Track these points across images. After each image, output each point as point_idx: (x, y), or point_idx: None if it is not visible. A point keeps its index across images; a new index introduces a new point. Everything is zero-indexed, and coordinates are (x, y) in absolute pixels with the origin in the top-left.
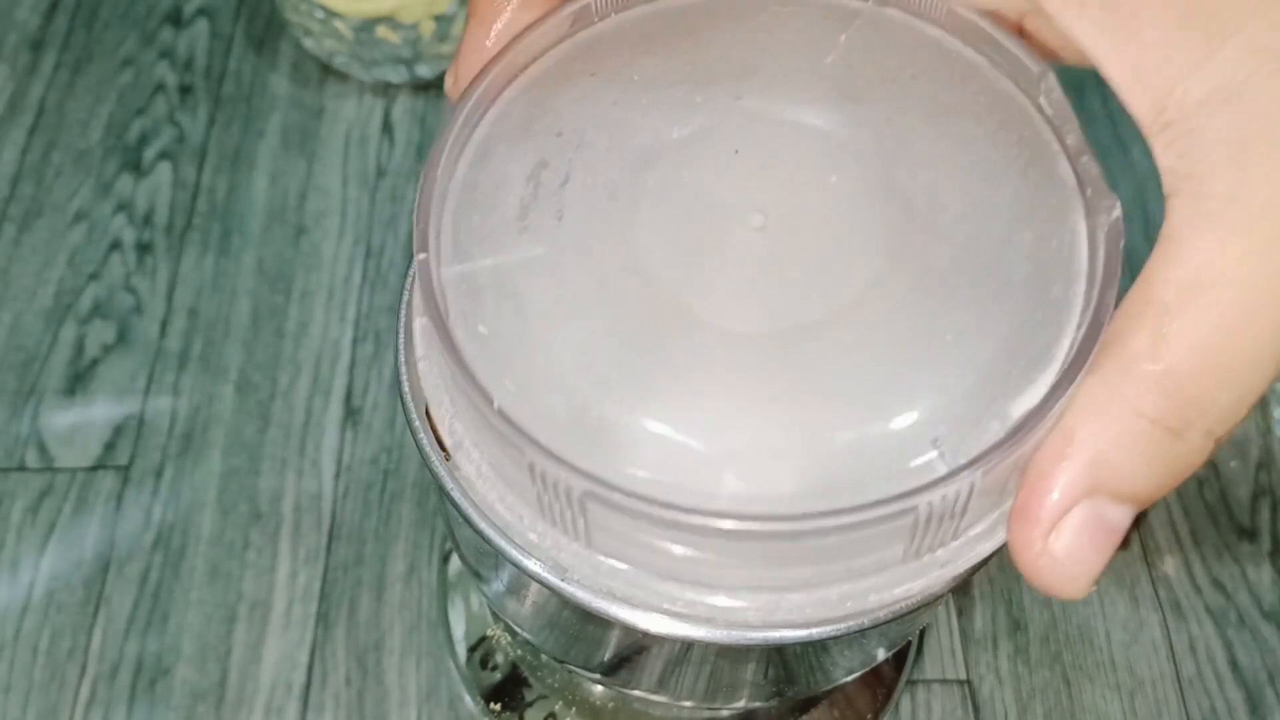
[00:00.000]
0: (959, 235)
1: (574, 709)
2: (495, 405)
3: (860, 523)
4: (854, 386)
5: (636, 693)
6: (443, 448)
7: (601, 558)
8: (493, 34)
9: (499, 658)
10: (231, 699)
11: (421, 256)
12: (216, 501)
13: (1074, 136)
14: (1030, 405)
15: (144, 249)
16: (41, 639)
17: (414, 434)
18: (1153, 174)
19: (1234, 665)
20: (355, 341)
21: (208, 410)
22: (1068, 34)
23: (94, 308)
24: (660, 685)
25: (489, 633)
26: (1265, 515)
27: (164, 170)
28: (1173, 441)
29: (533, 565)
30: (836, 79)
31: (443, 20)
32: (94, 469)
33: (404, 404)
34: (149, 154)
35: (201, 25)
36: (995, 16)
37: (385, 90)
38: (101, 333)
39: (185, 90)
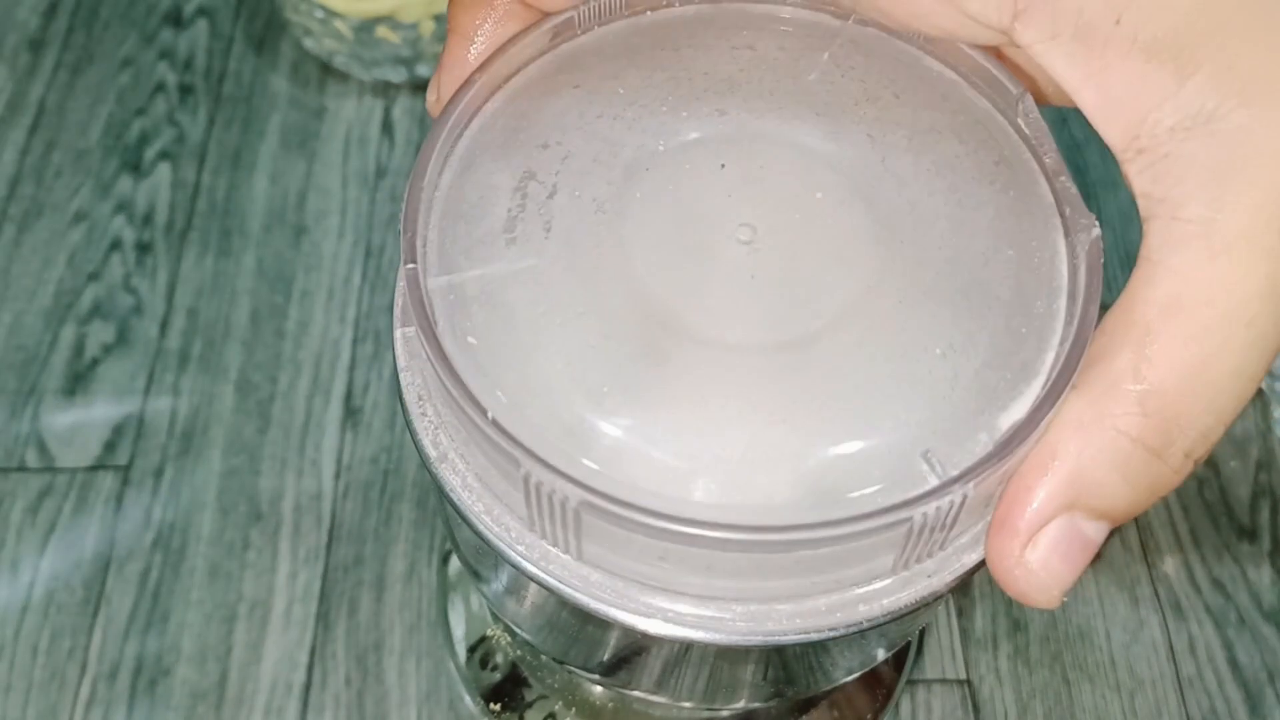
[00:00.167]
0: (943, 251)
1: (574, 709)
2: (490, 416)
3: (856, 533)
4: (845, 398)
5: (636, 693)
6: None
7: (589, 570)
8: (474, 49)
9: (499, 658)
10: (231, 699)
11: (410, 266)
12: (216, 501)
13: (1051, 157)
14: (1017, 417)
15: (144, 249)
16: (41, 639)
17: (413, 435)
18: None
19: (1234, 665)
20: (355, 341)
21: (208, 410)
22: (1041, 64)
23: (94, 308)
24: (660, 686)
25: (489, 633)
26: (1265, 515)
27: (164, 170)
28: (1152, 460)
29: (532, 566)
30: (820, 96)
31: (443, 20)
32: (94, 469)
33: (403, 405)
34: (149, 154)
35: (201, 25)
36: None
37: (385, 90)
38: (101, 333)
39: (185, 90)
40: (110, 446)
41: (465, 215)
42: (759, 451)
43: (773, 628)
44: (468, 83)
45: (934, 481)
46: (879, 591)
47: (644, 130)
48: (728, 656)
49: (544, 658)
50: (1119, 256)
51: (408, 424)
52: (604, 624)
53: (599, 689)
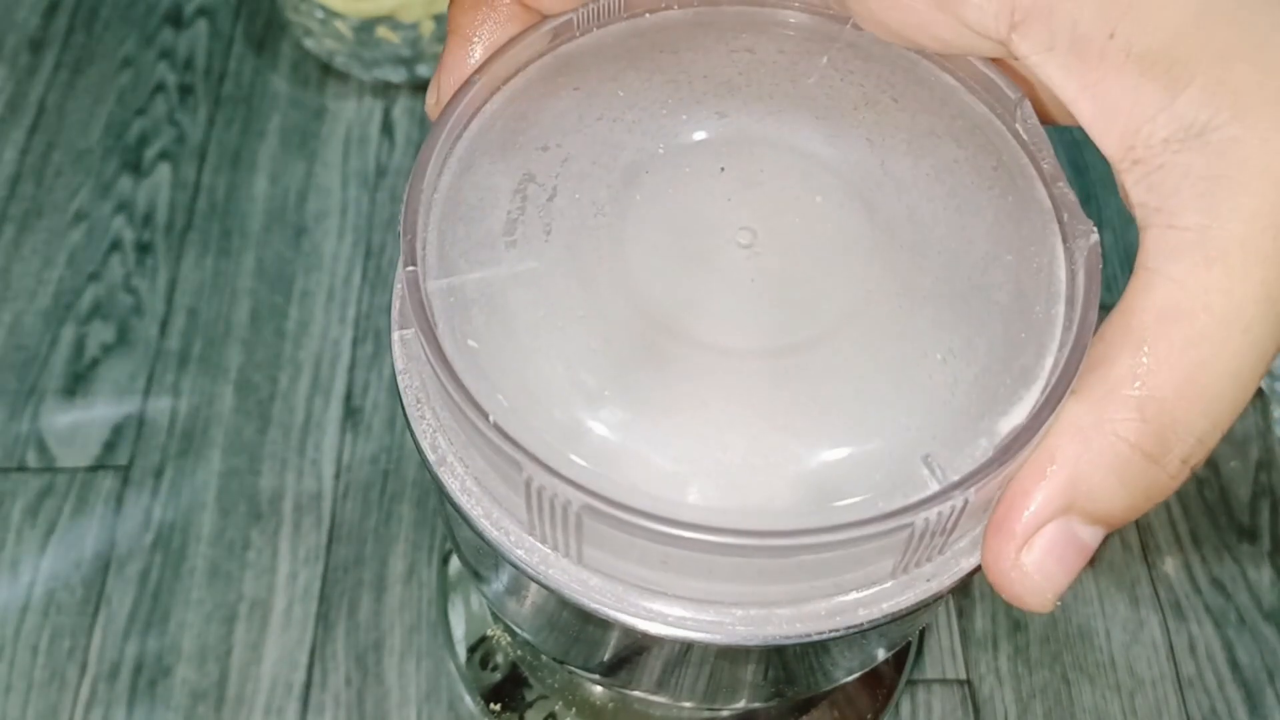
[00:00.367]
0: (942, 255)
1: (574, 709)
2: (491, 420)
3: (858, 538)
4: (845, 403)
5: (636, 693)
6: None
7: (589, 574)
8: (473, 50)
9: (499, 658)
10: (231, 699)
11: (410, 269)
12: (216, 501)
13: (1049, 162)
14: (1017, 422)
15: (144, 249)
16: (41, 639)
17: (413, 435)
18: None
19: (1234, 665)
20: (355, 341)
21: (208, 410)
22: (1039, 76)
23: (94, 308)
24: (660, 686)
25: (489, 633)
26: (1265, 515)
27: (164, 170)
28: (1149, 466)
29: (532, 569)
30: (819, 100)
31: (443, 20)
32: (94, 469)
33: (403, 405)
34: (149, 154)
35: (201, 25)
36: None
37: (385, 90)
38: (101, 333)
39: (185, 90)
40: (110, 446)
41: (465, 217)
42: (759, 456)
43: (772, 632)
44: (467, 84)
45: (935, 487)
46: (878, 595)
47: (643, 133)
48: (728, 657)
49: (544, 658)
50: (1119, 257)
51: (407, 424)
52: (604, 624)
53: (599, 689)
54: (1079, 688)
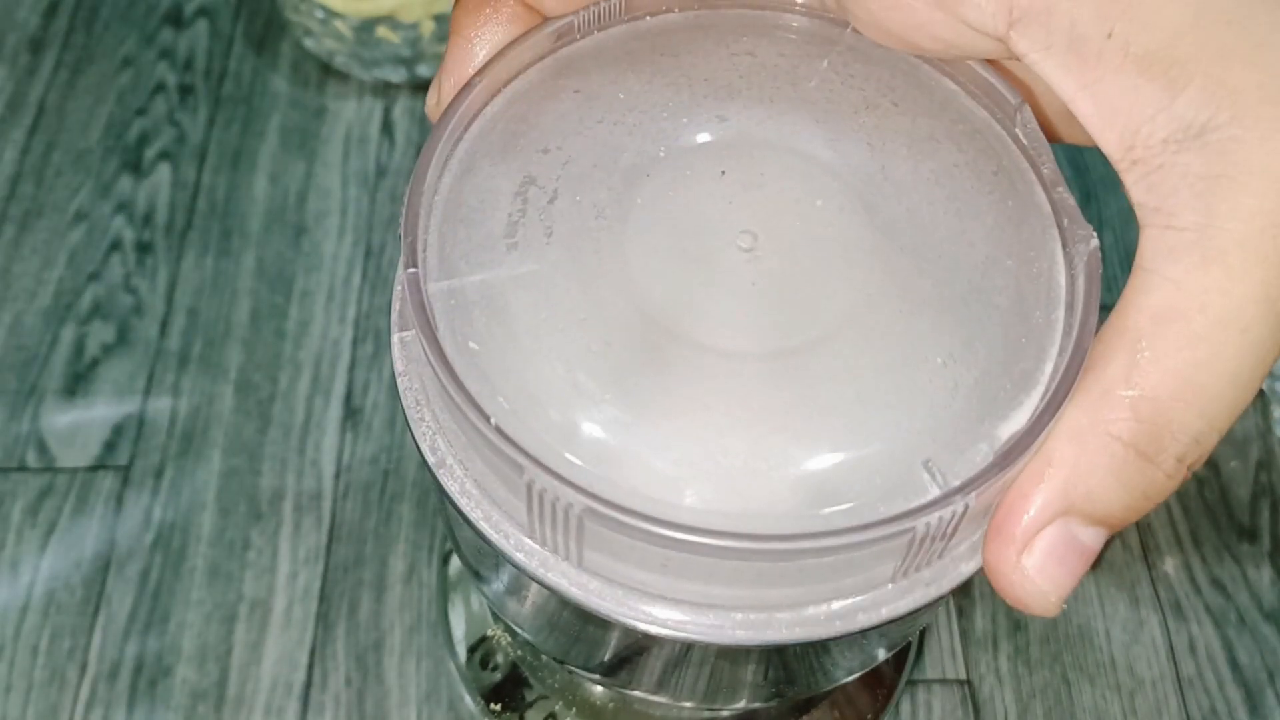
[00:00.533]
0: (943, 259)
1: (574, 709)
2: (492, 422)
3: (859, 543)
4: (846, 407)
5: (636, 693)
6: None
7: (589, 578)
8: (476, 52)
9: (499, 658)
10: (231, 699)
11: (411, 271)
12: (216, 501)
13: (1049, 167)
14: (1017, 427)
15: (144, 249)
16: (41, 639)
17: (413, 437)
18: None
19: (1234, 665)
20: (355, 341)
21: (208, 410)
22: (1038, 74)
23: (94, 308)
24: (660, 686)
25: (489, 633)
26: (1265, 515)
27: (164, 170)
28: (1145, 466)
29: (532, 571)
30: (819, 103)
31: (443, 20)
32: (94, 469)
33: (403, 407)
34: (149, 154)
35: (201, 25)
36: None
37: (385, 90)
38: (101, 333)
39: (185, 90)
40: (110, 446)
41: (466, 219)
42: (760, 459)
43: (772, 635)
44: (468, 85)
45: (935, 491)
46: (878, 599)
47: (644, 136)
48: (728, 657)
49: (544, 658)
50: (1119, 257)
51: (407, 424)
52: (605, 624)
53: (599, 689)
54: (1079, 688)
